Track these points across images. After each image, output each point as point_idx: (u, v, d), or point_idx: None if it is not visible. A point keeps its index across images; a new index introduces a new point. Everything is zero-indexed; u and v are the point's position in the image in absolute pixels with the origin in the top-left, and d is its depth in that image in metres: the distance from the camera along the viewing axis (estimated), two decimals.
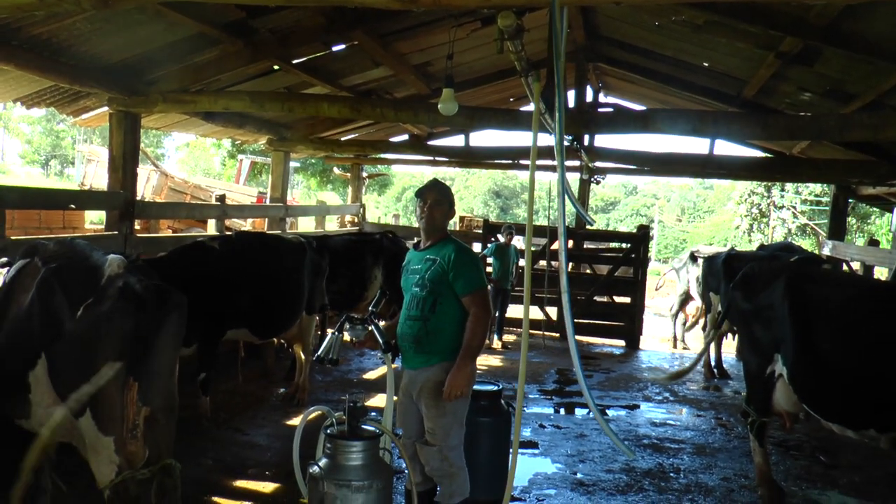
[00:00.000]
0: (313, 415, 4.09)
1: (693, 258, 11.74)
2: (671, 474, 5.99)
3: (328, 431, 3.72)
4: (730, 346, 11.18)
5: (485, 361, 10.14)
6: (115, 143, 7.63)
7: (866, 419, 4.70)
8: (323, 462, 3.64)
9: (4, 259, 4.60)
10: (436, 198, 4.28)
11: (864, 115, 7.50)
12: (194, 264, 6.33)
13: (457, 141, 13.03)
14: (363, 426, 3.76)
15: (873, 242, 12.54)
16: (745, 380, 5.72)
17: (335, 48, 8.27)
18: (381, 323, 4.48)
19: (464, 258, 4.12)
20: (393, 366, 4.42)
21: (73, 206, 7.74)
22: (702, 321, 11.54)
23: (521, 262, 11.53)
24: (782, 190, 36.37)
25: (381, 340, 4.05)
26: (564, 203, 3.63)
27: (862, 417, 4.72)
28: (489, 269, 11.02)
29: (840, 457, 6.56)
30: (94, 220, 13.74)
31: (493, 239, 12.24)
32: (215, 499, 4.98)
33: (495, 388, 5.27)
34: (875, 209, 24.46)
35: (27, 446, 4.02)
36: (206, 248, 6.67)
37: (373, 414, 3.94)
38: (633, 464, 6.18)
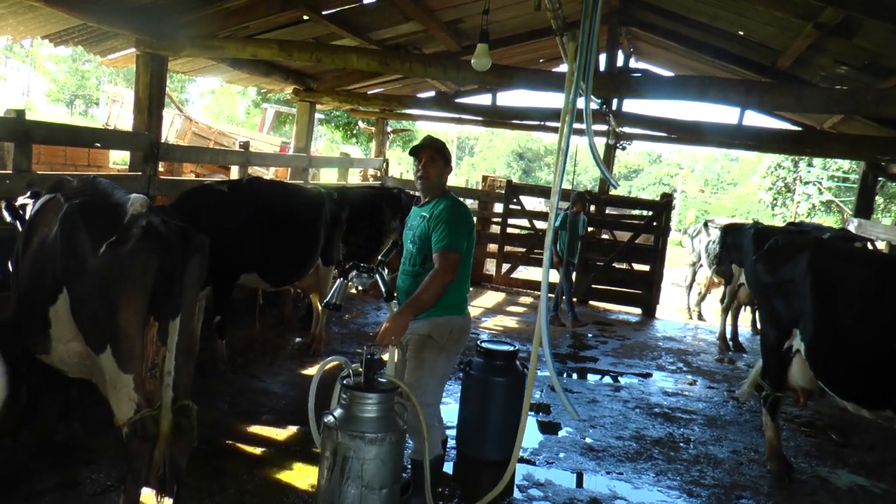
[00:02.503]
0: (330, 365, 4.11)
1: (706, 227, 11.62)
2: (681, 444, 6.01)
3: (345, 382, 3.74)
4: (745, 318, 11.13)
5: (501, 323, 10.18)
6: (141, 84, 7.61)
7: (883, 399, 4.67)
8: (338, 412, 3.67)
9: (33, 190, 4.65)
10: (430, 154, 4.29)
11: None
12: (201, 206, 6.31)
13: (484, 100, 12.89)
14: (380, 379, 3.78)
15: None
16: (762, 353, 5.71)
17: (366, 1, 8.17)
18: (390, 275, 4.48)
19: (445, 215, 4.11)
20: None
21: (98, 144, 7.76)
22: (715, 292, 11.48)
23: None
24: (809, 165, 35.89)
25: (383, 290, 4.04)
26: (566, 162, 3.58)
27: (879, 397, 4.69)
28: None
29: (852, 436, 6.55)
30: (117, 160, 13.78)
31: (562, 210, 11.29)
32: (229, 442, 5.05)
33: (511, 348, 5.29)
34: None
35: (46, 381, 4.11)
36: (215, 190, 6.67)
37: (384, 371, 3.95)
38: (643, 431, 6.21)
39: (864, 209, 12.54)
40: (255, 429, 5.36)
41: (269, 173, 15.05)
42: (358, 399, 3.64)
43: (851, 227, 11.87)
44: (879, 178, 13.09)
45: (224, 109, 45.78)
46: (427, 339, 4.14)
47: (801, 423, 6.82)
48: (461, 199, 4.37)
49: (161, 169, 8.91)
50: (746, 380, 6.19)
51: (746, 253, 9.09)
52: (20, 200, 4.53)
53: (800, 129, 12.26)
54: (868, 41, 7.25)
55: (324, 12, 8.12)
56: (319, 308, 7.50)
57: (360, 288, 4.22)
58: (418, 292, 4.01)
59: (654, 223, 12.09)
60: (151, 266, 3.48)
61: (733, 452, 5.93)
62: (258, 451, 4.98)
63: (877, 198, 22.87)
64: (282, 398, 6.10)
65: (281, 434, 5.30)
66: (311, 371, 6.86)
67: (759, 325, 9.05)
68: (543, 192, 14.51)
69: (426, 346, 4.14)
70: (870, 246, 11.13)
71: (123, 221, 3.62)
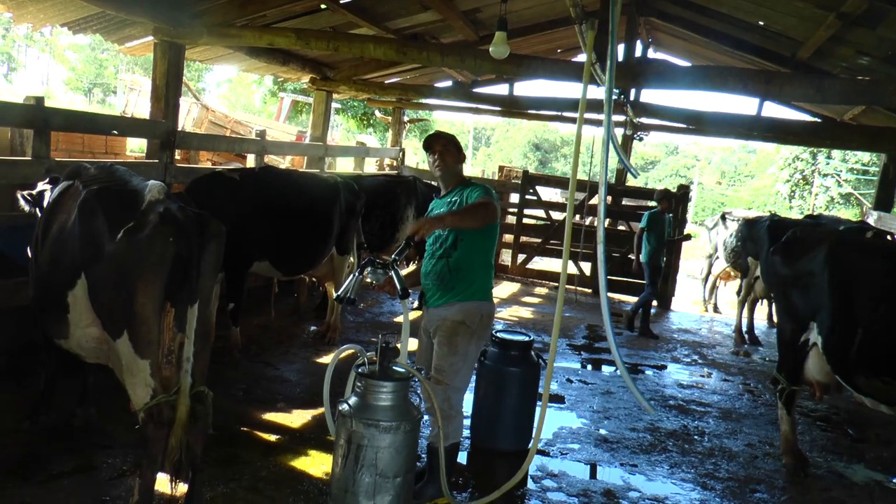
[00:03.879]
0: (345, 353, 4.11)
1: (724, 219, 11.54)
2: (695, 437, 5.99)
3: (360, 370, 3.74)
4: (760, 311, 11.06)
5: (516, 313, 10.16)
6: (158, 72, 7.63)
7: None
8: (353, 400, 3.67)
9: (52, 176, 4.68)
10: (443, 143, 4.40)
11: None
12: (211, 193, 6.32)
13: (501, 90, 12.84)
14: (395, 367, 3.78)
15: None
16: (778, 346, 5.66)
17: None
18: (406, 270, 4.50)
19: (478, 191, 4.21)
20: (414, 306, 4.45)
21: (115, 132, 7.79)
22: (730, 285, 11.42)
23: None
24: (828, 157, 35.58)
25: (398, 287, 4.06)
26: (608, 156, 3.55)
27: None
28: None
29: (869, 431, 6.50)
30: (133, 147, 13.83)
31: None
32: (244, 429, 5.08)
33: (526, 338, 5.28)
34: None
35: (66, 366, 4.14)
36: (226, 178, 6.68)
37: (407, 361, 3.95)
38: (658, 424, 6.19)
39: (884, 202, 12.40)
40: (270, 416, 5.38)
41: (285, 162, 15.08)
42: (372, 387, 3.64)
43: (871, 220, 11.74)
44: None
45: (240, 98, 45.91)
46: (460, 325, 4.21)
47: (816, 417, 6.78)
48: None
49: (177, 157, 8.94)
50: None
51: (762, 246, 9.02)
52: (39, 187, 4.56)
53: (819, 120, 12.15)
54: (892, 31, 7.15)
55: (341, 1, 8.11)
56: (334, 297, 7.51)
57: (374, 283, 4.22)
58: (461, 211, 4.08)
59: (671, 214, 12.00)
60: (168, 252, 3.49)
61: (748, 446, 5.90)
62: (273, 438, 5.00)
63: None
64: (296, 386, 6.13)
65: (296, 421, 5.32)
66: (326, 359, 6.88)
67: (775, 319, 8.99)
68: (560, 182, 14.46)
69: (459, 331, 4.21)
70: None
71: (141, 208, 3.63)
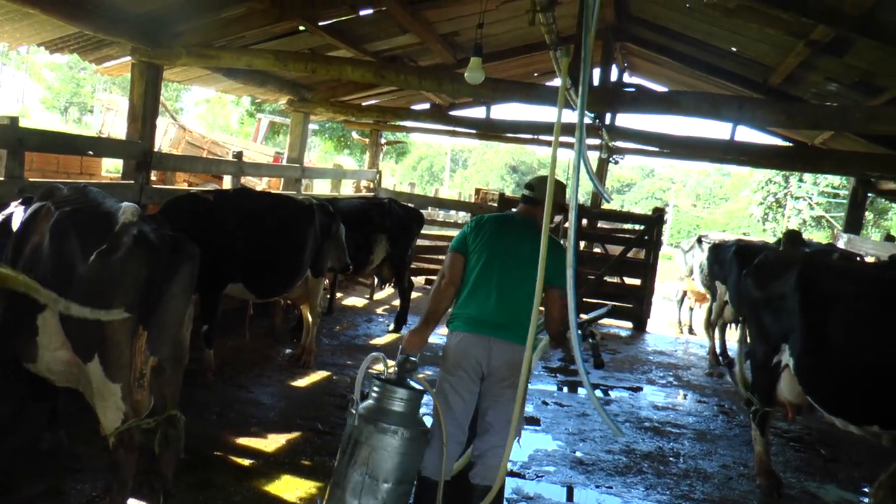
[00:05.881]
0: (369, 362, 3.88)
1: (700, 242, 11.65)
2: (671, 458, 6.01)
3: (375, 375, 3.79)
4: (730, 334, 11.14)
5: None
6: (135, 93, 7.62)
7: (871, 415, 4.70)
8: (365, 402, 3.71)
9: (25, 195, 4.64)
10: None
11: (891, 109, 7.40)
12: (185, 214, 6.29)
13: (478, 113, 12.93)
14: (409, 379, 3.78)
15: (889, 238, 12.41)
16: (751, 368, 5.74)
17: (363, 12, 8.18)
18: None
19: None
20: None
21: (91, 152, 7.75)
22: (704, 307, 11.51)
23: None
24: (800, 180, 36.11)
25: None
26: (579, 180, 3.57)
27: (866, 413, 4.73)
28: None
29: (841, 451, 6.56)
30: (109, 168, 13.76)
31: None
32: (217, 454, 5.02)
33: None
34: (894, 204, 24.24)
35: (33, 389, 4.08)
36: (200, 199, 6.65)
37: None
38: (634, 445, 6.21)
39: (853, 225, 12.61)
40: (244, 440, 5.33)
41: (262, 184, 15.06)
42: (377, 388, 3.70)
43: (841, 243, 11.93)
44: (869, 194, 13.17)
45: (218, 119, 45.77)
46: None
47: (790, 437, 6.83)
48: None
49: (153, 178, 8.90)
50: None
51: (729, 270, 9.19)
52: (11, 207, 4.52)
53: (791, 144, 12.34)
54: (859, 59, 7.31)
55: (320, 23, 8.14)
56: (310, 320, 7.48)
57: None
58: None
59: (646, 237, 12.10)
60: (141, 275, 3.48)
61: (723, 467, 5.93)
62: (246, 462, 4.95)
63: (866, 213, 22.98)
64: (270, 409, 6.08)
65: (269, 445, 5.28)
66: (301, 382, 6.86)
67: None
68: None
69: None
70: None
71: (114, 230, 3.61)
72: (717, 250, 9.90)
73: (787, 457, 6.34)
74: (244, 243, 6.54)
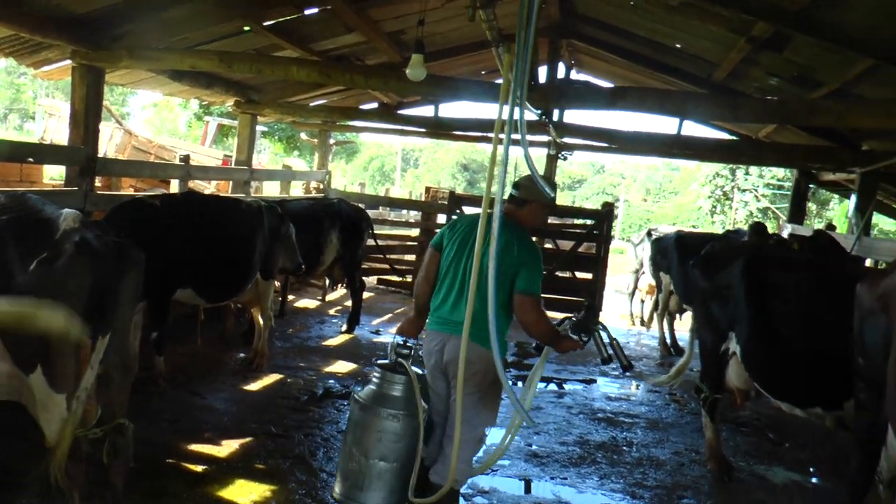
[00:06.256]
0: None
1: (650, 235, 11.85)
2: (624, 447, 6.10)
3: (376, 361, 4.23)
4: (681, 324, 11.33)
5: None
6: (77, 97, 7.46)
7: (813, 398, 4.85)
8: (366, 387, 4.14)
9: None
10: None
11: (829, 102, 7.63)
12: (131, 220, 6.14)
13: (426, 111, 12.95)
14: (409, 364, 4.08)
15: (831, 228, 12.78)
16: (700, 357, 5.85)
17: (308, 11, 8.13)
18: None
19: None
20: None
21: (31, 159, 7.57)
22: (651, 299, 11.74)
23: None
24: (746, 173, 36.87)
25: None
26: (505, 176, 3.60)
27: (809, 396, 4.88)
28: None
29: (787, 434, 6.73)
30: (53, 175, 13.45)
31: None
32: (170, 461, 4.94)
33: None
34: (834, 195, 24.88)
35: None
36: (147, 204, 6.53)
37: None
38: (587, 437, 6.28)
39: (796, 215, 12.93)
40: (197, 446, 5.25)
41: (210, 187, 14.88)
42: (374, 373, 4.12)
43: (785, 234, 12.21)
44: (811, 186, 13.51)
45: (166, 123, 45.10)
46: None
47: (739, 423, 6.99)
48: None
49: (98, 184, 8.73)
50: (671, 372, 6.44)
51: (671, 260, 9.45)
52: None
53: (736, 138, 12.60)
54: (798, 55, 7.50)
55: (265, 23, 8.07)
56: (261, 323, 7.42)
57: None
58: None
59: (596, 232, 12.23)
60: (85, 283, 3.41)
61: (675, 454, 6.04)
62: (199, 468, 4.89)
63: (809, 204, 23.58)
64: (223, 415, 6.01)
65: (223, 451, 5.21)
66: (254, 387, 6.80)
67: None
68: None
69: None
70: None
71: (55, 237, 3.53)
72: (660, 242, 10.15)
73: (736, 442, 6.48)
74: (192, 248, 6.45)
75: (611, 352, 4.21)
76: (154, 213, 6.40)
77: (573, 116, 11.28)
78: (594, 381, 8.31)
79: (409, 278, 13.43)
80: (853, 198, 10.77)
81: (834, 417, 4.77)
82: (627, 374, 4.45)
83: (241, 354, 7.73)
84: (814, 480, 5.72)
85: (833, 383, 4.53)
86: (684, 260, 9.22)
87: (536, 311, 4.03)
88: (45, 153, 8.46)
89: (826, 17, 6.28)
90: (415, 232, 14.39)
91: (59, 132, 17.03)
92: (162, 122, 45.82)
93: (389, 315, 11.06)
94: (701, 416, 5.89)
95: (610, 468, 5.60)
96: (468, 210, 13.04)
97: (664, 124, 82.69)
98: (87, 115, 7.44)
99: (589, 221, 12.82)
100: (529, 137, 11.55)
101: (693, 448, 6.18)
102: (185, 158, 10.07)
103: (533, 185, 4.05)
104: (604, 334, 4.23)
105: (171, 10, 7.20)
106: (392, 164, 62.47)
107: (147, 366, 6.36)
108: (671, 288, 9.76)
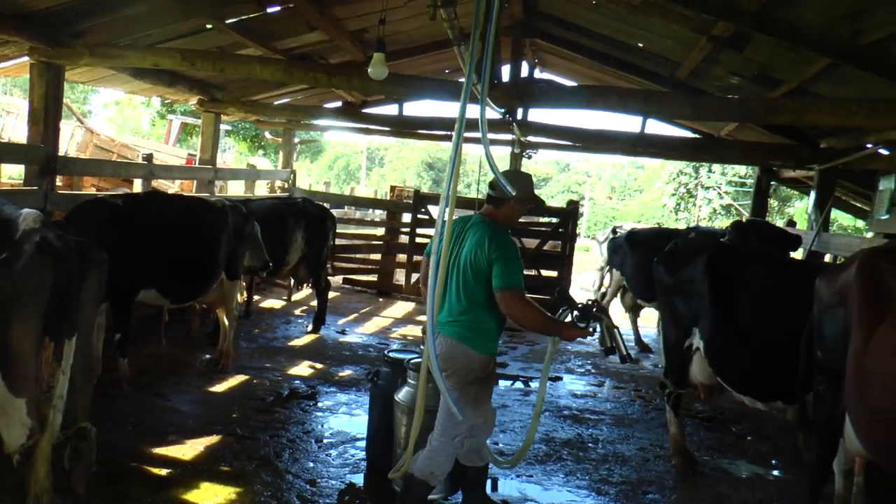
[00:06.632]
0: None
1: (615, 233, 11.98)
2: (589, 444, 6.15)
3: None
4: (647, 320, 11.45)
5: (411, 332, 10.19)
6: (35, 95, 7.33)
7: (774, 392, 4.95)
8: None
9: None
10: None
11: (788, 100, 7.77)
12: (93, 220, 6.07)
13: (391, 110, 12.93)
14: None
15: (791, 223, 13.04)
16: (664, 352, 5.92)
17: (270, 9, 8.08)
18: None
19: None
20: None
21: None
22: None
23: None
24: (709, 171, 37.32)
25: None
26: (453, 173, 3.62)
27: (770, 390, 4.98)
28: None
29: (750, 428, 6.83)
30: (11, 174, 13.22)
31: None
32: (134, 464, 4.88)
33: (419, 357, 5.29)
34: (795, 192, 25.30)
35: None
36: (109, 204, 6.44)
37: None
38: (553, 434, 6.32)
39: (758, 212, 13.12)
40: (161, 449, 5.19)
41: (174, 186, 14.71)
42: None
43: None
44: (772, 183, 13.72)
45: (128, 121, 44.40)
46: None
47: (703, 417, 7.07)
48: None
49: (59, 183, 8.60)
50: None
51: (623, 257, 9.64)
52: None
53: (698, 136, 12.77)
54: (757, 54, 7.63)
55: (227, 21, 8.00)
56: (227, 323, 7.36)
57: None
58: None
59: (561, 230, 12.29)
60: (45, 283, 3.36)
61: (640, 449, 6.11)
62: (164, 472, 4.82)
63: (771, 201, 23.94)
64: (188, 416, 5.95)
65: (188, 453, 5.16)
66: (219, 388, 6.75)
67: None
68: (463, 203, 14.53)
69: None
70: None
71: (15, 237, 3.48)
72: (615, 240, 10.40)
73: (700, 436, 6.56)
74: (155, 248, 6.37)
75: (613, 343, 4.30)
76: (116, 213, 6.31)
77: (538, 115, 11.35)
78: (560, 378, 8.36)
79: (374, 277, 13.41)
80: (812, 194, 10.97)
81: (795, 410, 4.86)
82: (626, 364, 4.64)
83: (207, 356, 7.66)
84: (775, 473, 5.81)
85: (793, 377, 4.61)
86: (636, 255, 9.42)
87: (521, 304, 4.01)
88: (3, 152, 8.33)
89: (783, 17, 6.40)
90: (380, 231, 14.34)
91: (17, 130, 16.69)
92: (125, 121, 45.11)
93: (355, 314, 11.02)
94: (665, 412, 5.96)
95: (575, 465, 5.64)
96: (433, 209, 13.05)
97: (628, 123, 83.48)
98: (46, 112, 7.32)
99: (554, 220, 12.88)
100: (494, 136, 11.72)
101: (658, 443, 6.25)
102: (148, 157, 9.95)
103: (507, 182, 4.04)
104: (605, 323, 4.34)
105: (133, 7, 7.11)
106: (357, 162, 62.23)
107: (110, 368, 6.29)
108: (623, 283, 9.96)
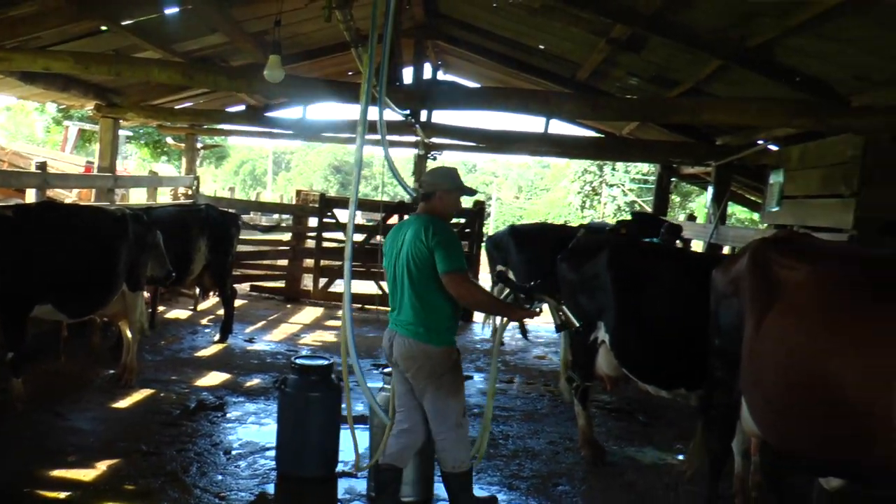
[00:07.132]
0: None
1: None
2: (500, 441, 6.22)
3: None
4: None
5: (320, 337, 10.10)
6: None
7: (676, 379, 5.15)
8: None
9: None
10: None
11: (684, 100, 8.06)
12: None
13: (295, 113, 12.78)
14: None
15: (691, 218, 13.54)
16: (570, 347, 6.06)
17: (168, 10, 7.84)
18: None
19: None
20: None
21: None
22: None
23: None
24: (613, 169, 38.27)
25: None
26: (359, 172, 3.66)
27: (673, 378, 5.18)
28: None
29: (656, 416, 7.06)
30: None
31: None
32: (28, 490, 4.63)
33: (325, 362, 5.26)
34: (694, 188, 26.19)
35: None
36: None
37: None
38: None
39: (660, 208, 13.54)
40: (60, 472, 4.94)
41: (72, 196, 14.15)
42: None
43: None
44: (673, 179, 14.19)
45: (21, 128, 42.42)
46: None
47: (611, 408, 7.26)
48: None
49: None
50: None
51: (507, 253, 9.87)
52: None
53: (601, 135, 13.09)
54: (654, 55, 7.87)
55: (123, 23, 7.73)
56: (129, 336, 7.11)
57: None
58: None
59: (468, 230, 12.34)
60: None
61: (550, 443, 6.22)
62: (62, 495, 4.59)
63: (672, 197, 24.73)
64: (90, 435, 5.70)
65: (89, 474, 4.93)
66: (122, 404, 6.52)
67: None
68: (359, 204, 14.47)
69: None
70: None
71: None
72: (494, 237, 10.64)
73: (608, 426, 6.73)
74: (50, 261, 6.10)
75: (564, 318, 4.46)
76: (7, 225, 6.02)
77: (442, 116, 11.42)
78: (470, 377, 8.37)
79: (282, 284, 13.20)
80: (710, 189, 11.39)
81: (698, 396, 5.06)
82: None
83: (110, 371, 7.37)
84: (680, 457, 5.99)
85: (694, 364, 4.79)
86: (521, 249, 9.65)
87: (465, 285, 4.17)
88: None
89: (677, 19, 6.63)
90: (287, 236, 14.09)
91: None
92: (17, 128, 43.04)
93: (263, 322, 10.83)
94: (574, 406, 6.08)
95: (486, 462, 5.66)
96: (340, 213, 12.90)
97: (533, 123, 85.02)
98: None
99: (461, 220, 12.94)
100: (398, 138, 11.74)
101: (567, 436, 6.37)
102: (42, 166, 9.53)
103: (430, 178, 4.40)
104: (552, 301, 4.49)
105: (18, 8, 6.80)
106: (263, 167, 61.13)
107: (2, 388, 6.00)
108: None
